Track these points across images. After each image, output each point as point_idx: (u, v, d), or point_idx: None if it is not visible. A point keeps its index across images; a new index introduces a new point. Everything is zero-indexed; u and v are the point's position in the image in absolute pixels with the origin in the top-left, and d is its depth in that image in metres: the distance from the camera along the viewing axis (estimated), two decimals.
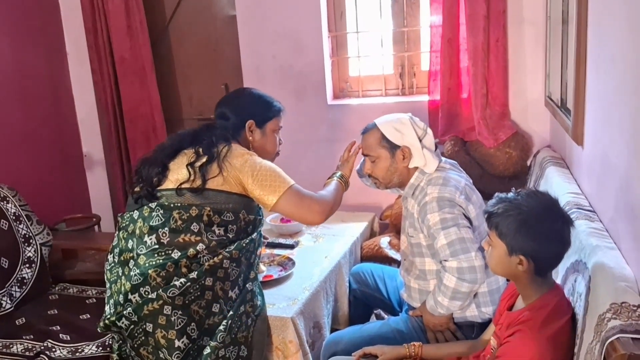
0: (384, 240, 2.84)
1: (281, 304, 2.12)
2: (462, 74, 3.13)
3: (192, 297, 1.82)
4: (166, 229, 1.83)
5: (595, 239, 1.62)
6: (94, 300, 2.60)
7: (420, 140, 2.05)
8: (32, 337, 2.28)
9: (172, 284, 1.78)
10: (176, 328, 1.80)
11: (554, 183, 2.25)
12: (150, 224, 1.85)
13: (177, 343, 1.79)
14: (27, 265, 2.62)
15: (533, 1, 2.99)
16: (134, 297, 1.81)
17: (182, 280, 1.78)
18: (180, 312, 1.80)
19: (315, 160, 3.52)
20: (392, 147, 2.06)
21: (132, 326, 1.83)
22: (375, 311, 2.62)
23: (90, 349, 2.20)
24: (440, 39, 3.07)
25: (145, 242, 1.83)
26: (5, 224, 2.59)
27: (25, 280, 2.59)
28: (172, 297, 1.78)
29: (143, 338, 1.84)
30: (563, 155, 2.64)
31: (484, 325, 1.96)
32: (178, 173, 1.91)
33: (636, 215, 1.45)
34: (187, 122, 3.86)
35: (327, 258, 2.50)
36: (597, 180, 1.92)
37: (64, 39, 3.81)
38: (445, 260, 1.91)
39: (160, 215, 1.85)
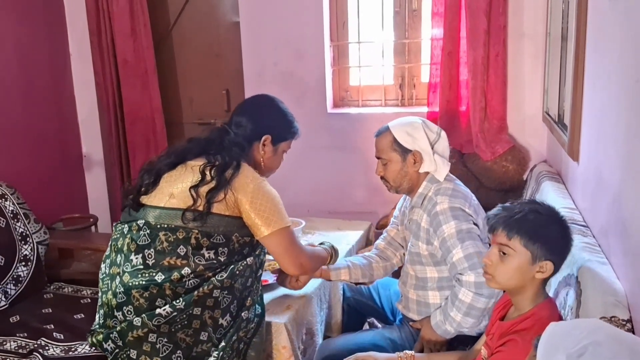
0: None
1: (275, 309, 2.13)
2: (461, 87, 3.16)
3: (179, 326, 1.77)
4: (152, 249, 1.77)
5: (587, 254, 1.64)
6: (89, 300, 2.61)
7: (432, 146, 2.04)
8: (25, 335, 2.28)
9: (157, 312, 1.73)
10: (161, 355, 1.76)
11: (549, 198, 2.27)
12: (138, 242, 1.79)
13: None
14: (23, 263, 2.63)
15: (533, 17, 3.02)
16: (119, 315, 1.79)
17: (169, 309, 1.73)
18: (165, 340, 1.76)
19: (313, 168, 3.54)
20: (404, 151, 2.04)
21: (117, 350, 1.80)
22: (368, 320, 2.63)
23: (84, 348, 2.20)
24: (440, 52, 3.11)
25: (131, 260, 1.78)
26: (3, 221, 2.60)
27: (20, 279, 2.59)
28: (157, 326, 1.74)
29: None
30: (559, 170, 2.66)
31: (478, 338, 1.96)
32: (173, 187, 1.83)
33: (627, 230, 1.48)
34: (187, 126, 3.88)
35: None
36: (591, 196, 1.94)
37: (67, 39, 3.84)
38: (461, 274, 1.87)
39: (147, 234, 1.78)
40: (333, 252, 2.17)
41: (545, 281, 1.51)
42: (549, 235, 1.45)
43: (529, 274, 1.46)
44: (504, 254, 1.47)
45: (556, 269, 1.48)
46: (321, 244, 2.23)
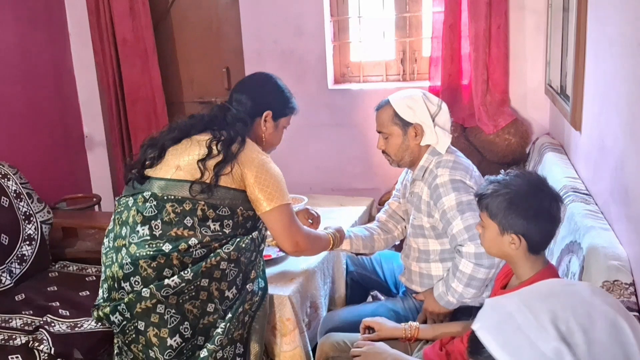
0: None
1: (278, 282, 2.14)
2: (463, 61, 3.14)
3: (187, 297, 1.79)
4: (159, 220, 1.79)
5: (590, 220, 1.64)
6: (94, 278, 2.62)
7: (433, 118, 2.03)
8: (31, 312, 2.30)
9: (165, 282, 1.75)
10: (169, 326, 1.78)
11: (552, 168, 2.27)
12: (144, 214, 1.81)
13: (169, 342, 1.78)
14: (27, 242, 2.64)
15: None
16: (126, 286, 1.80)
17: (177, 280, 1.75)
18: (173, 311, 1.78)
19: (315, 145, 3.54)
20: (405, 124, 2.03)
21: (124, 322, 1.82)
22: (372, 293, 2.64)
23: (90, 324, 2.22)
24: (442, 25, 3.08)
25: (138, 231, 1.80)
26: (6, 201, 2.60)
27: (25, 257, 2.61)
28: (165, 297, 1.76)
29: (134, 335, 1.82)
30: (561, 141, 2.66)
31: (480, 309, 1.96)
32: (179, 159, 1.85)
33: (629, 197, 1.48)
34: (188, 105, 3.87)
35: None
36: (594, 164, 1.94)
37: (66, 19, 3.82)
38: (461, 245, 1.88)
39: (153, 206, 1.80)
40: (337, 237, 2.15)
41: (534, 250, 1.49)
42: (511, 211, 1.45)
43: (504, 244, 1.49)
44: (483, 226, 1.56)
45: (532, 243, 1.45)
46: (325, 229, 2.20)
